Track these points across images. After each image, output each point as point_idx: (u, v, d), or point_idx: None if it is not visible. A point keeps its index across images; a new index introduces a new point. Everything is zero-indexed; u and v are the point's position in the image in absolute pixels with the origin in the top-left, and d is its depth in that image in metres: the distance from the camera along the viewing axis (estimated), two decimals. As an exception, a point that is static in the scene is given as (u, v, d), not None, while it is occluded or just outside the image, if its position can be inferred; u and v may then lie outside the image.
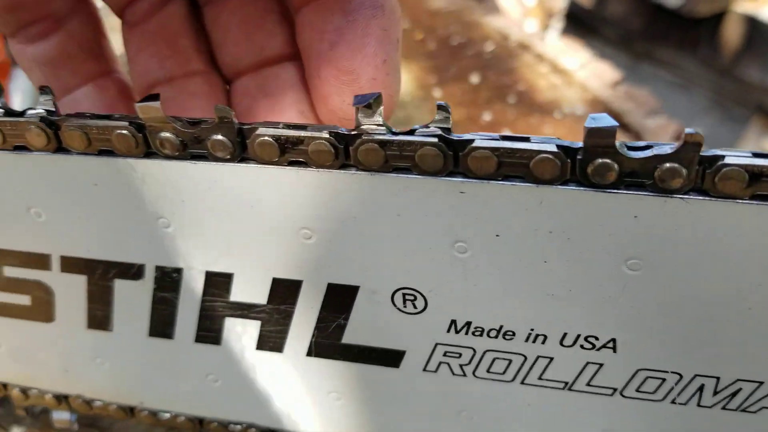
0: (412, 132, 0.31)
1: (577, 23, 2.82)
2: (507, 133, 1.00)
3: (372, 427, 0.43)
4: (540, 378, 0.37)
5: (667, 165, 0.27)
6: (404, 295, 0.36)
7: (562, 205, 0.30)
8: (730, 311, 0.31)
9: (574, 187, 0.30)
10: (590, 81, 1.14)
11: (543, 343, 0.35)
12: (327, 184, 0.33)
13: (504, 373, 0.38)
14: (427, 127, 0.31)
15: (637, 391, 0.36)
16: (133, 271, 0.39)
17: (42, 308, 0.43)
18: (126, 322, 0.42)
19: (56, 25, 0.39)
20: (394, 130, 0.31)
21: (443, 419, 0.41)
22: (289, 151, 0.32)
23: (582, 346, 0.35)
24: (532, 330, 0.35)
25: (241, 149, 0.33)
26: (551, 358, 0.36)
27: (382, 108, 0.31)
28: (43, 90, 0.35)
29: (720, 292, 0.31)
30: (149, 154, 0.34)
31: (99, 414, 0.48)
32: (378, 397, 0.41)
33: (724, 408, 0.35)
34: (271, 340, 0.40)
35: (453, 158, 0.31)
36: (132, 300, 0.41)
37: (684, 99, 2.58)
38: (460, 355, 0.37)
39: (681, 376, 0.35)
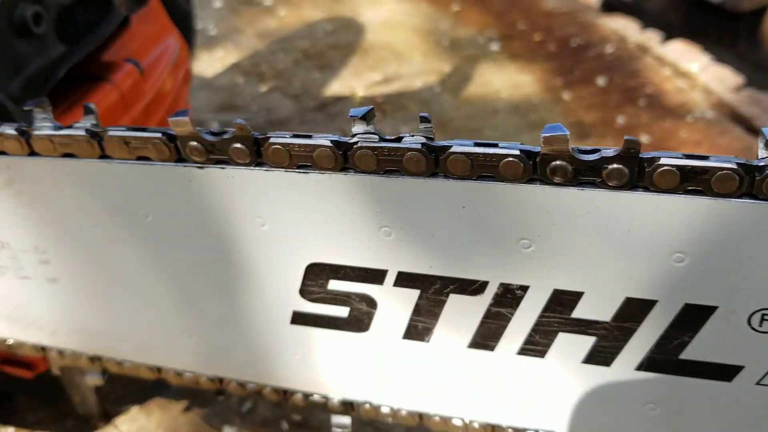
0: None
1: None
2: (644, 138, 1.01)
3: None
4: None
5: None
6: (763, 315, 0.37)
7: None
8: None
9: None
10: (713, 84, 1.15)
11: None
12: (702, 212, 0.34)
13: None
14: None
15: None
16: (474, 287, 0.41)
17: (359, 320, 0.45)
18: (446, 334, 0.44)
19: None
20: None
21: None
22: (689, 180, 0.34)
23: None
24: None
25: (637, 177, 0.35)
26: None
27: None
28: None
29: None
30: (531, 180, 0.36)
31: (383, 420, 0.50)
32: (699, 408, 0.43)
33: None
34: (602, 355, 0.42)
35: None
36: (462, 314, 0.43)
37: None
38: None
39: None
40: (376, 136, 0.37)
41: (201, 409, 0.72)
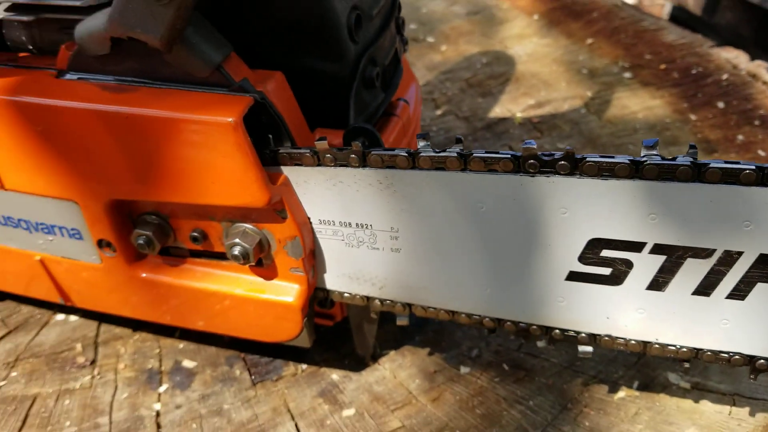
0: None
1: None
2: (761, 152, 1.22)
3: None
4: None
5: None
6: None
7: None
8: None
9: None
10: (818, 106, 1.34)
11: None
12: None
13: None
14: None
15: None
16: (705, 253, 0.64)
17: (617, 276, 0.68)
18: (678, 285, 0.67)
19: None
20: None
21: None
22: None
23: None
24: None
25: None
26: None
27: None
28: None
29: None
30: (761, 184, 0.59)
31: (614, 348, 0.73)
32: None
33: None
34: (789, 298, 0.64)
35: None
36: (693, 272, 0.66)
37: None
38: None
39: None
40: (658, 156, 0.60)
41: (440, 354, 0.96)
